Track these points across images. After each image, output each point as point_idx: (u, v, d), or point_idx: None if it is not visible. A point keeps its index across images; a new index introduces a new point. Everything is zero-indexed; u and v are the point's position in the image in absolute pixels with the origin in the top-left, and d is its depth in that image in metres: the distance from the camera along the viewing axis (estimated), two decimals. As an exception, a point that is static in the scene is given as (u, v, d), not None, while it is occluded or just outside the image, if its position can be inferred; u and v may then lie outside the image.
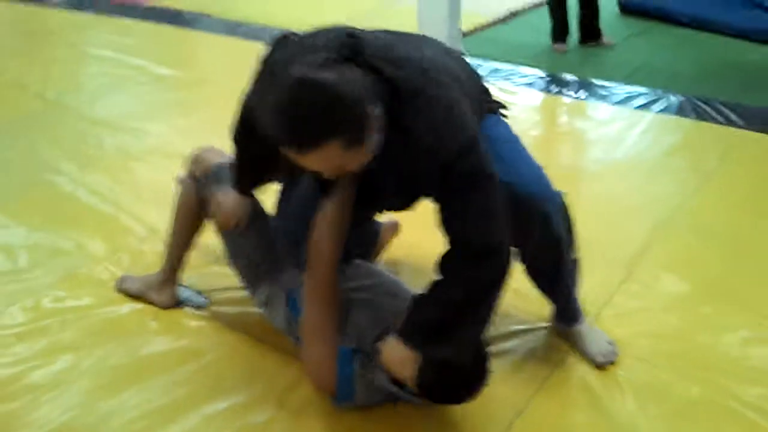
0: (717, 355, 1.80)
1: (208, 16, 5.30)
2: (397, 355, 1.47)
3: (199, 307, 2.05)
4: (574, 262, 1.76)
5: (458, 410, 1.62)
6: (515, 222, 1.48)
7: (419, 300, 1.47)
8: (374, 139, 1.29)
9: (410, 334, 1.46)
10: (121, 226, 2.46)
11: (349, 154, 1.25)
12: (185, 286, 2.11)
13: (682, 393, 1.68)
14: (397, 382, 1.52)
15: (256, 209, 1.83)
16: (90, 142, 3.15)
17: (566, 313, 1.83)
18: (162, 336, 1.94)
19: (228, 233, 1.83)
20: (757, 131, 3.04)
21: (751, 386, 1.69)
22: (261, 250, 1.83)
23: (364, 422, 1.63)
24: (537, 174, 1.61)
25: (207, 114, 3.37)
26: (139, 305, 2.05)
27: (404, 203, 1.59)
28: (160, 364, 1.84)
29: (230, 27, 4.95)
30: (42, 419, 1.68)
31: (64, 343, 1.92)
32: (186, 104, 3.62)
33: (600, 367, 1.77)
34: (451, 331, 1.43)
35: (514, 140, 1.64)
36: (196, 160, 1.93)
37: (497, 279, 1.42)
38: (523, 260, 1.72)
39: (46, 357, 1.87)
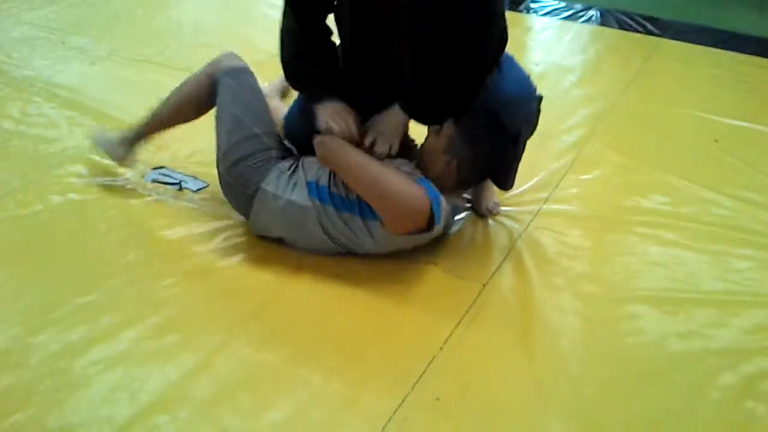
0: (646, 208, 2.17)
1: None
2: (397, 119, 1.81)
3: (199, 189, 2.18)
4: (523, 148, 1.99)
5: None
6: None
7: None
8: None
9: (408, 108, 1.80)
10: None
11: None
12: (180, 172, 2.22)
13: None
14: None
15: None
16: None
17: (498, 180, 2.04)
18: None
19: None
20: (671, 39, 3.44)
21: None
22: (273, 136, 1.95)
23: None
24: (525, 76, 1.87)
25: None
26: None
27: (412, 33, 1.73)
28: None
29: None
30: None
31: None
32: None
33: (483, 215, 2.07)
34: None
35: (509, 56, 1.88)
36: (214, 62, 2.02)
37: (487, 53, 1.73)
38: None
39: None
